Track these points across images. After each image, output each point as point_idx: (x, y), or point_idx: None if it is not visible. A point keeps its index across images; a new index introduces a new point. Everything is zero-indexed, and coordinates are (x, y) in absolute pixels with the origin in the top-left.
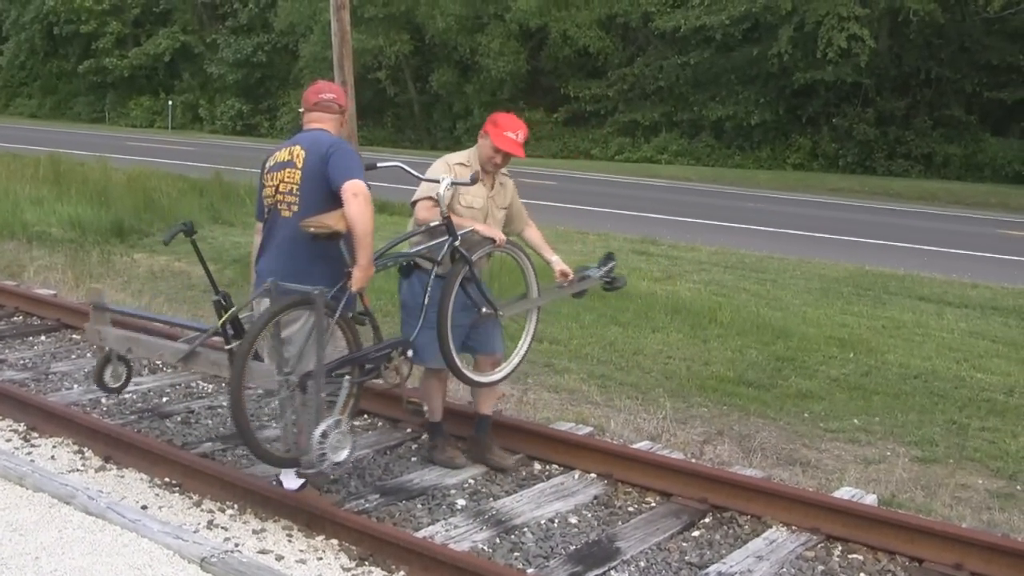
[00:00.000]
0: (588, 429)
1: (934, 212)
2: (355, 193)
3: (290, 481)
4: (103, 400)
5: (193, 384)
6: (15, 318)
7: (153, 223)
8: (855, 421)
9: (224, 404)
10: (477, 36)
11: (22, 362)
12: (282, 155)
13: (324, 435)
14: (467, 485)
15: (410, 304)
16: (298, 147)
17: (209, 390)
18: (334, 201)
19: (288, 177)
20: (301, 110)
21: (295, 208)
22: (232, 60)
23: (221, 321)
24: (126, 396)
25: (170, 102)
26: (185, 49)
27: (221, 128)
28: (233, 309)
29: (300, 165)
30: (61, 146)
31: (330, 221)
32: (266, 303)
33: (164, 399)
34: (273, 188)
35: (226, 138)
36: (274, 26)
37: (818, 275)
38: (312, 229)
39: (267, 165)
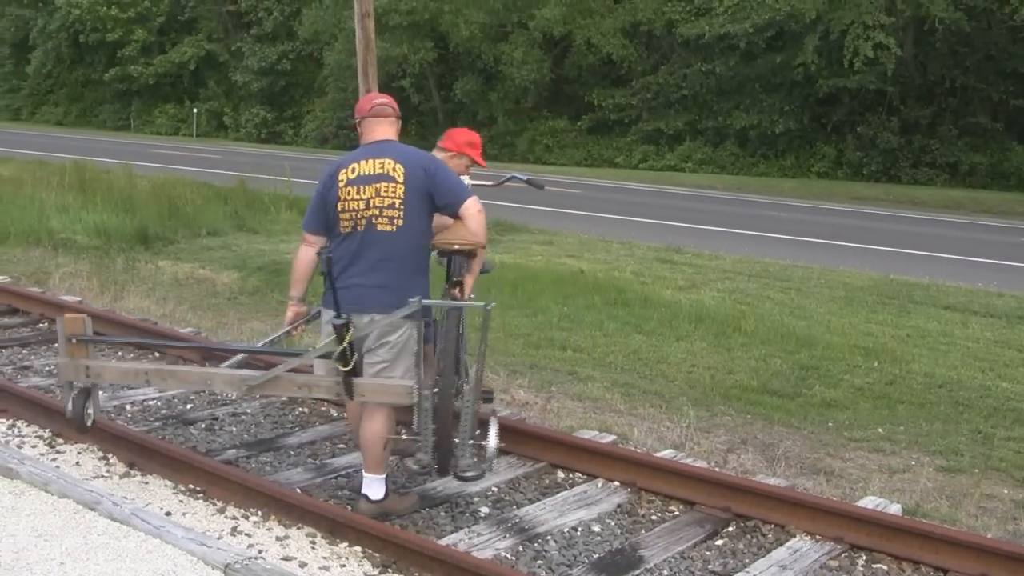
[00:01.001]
0: (611, 437)
1: (959, 221)
2: (479, 210)
3: (374, 492)
4: (127, 407)
5: (216, 391)
6: (40, 325)
7: (178, 230)
8: (879, 430)
9: (248, 411)
10: (501, 44)
11: (47, 368)
12: (366, 167)
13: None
14: (490, 493)
15: None
16: (389, 160)
17: (233, 397)
18: (430, 215)
19: (387, 191)
20: (356, 121)
21: (399, 222)
22: (257, 68)
23: (344, 343)
24: (150, 403)
25: (195, 110)
26: (210, 57)
27: (246, 136)
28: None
29: (401, 179)
30: (87, 154)
31: (471, 237)
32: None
33: (188, 406)
34: (362, 202)
35: (251, 146)
36: (298, 34)
37: (842, 284)
38: (456, 246)
39: (342, 178)
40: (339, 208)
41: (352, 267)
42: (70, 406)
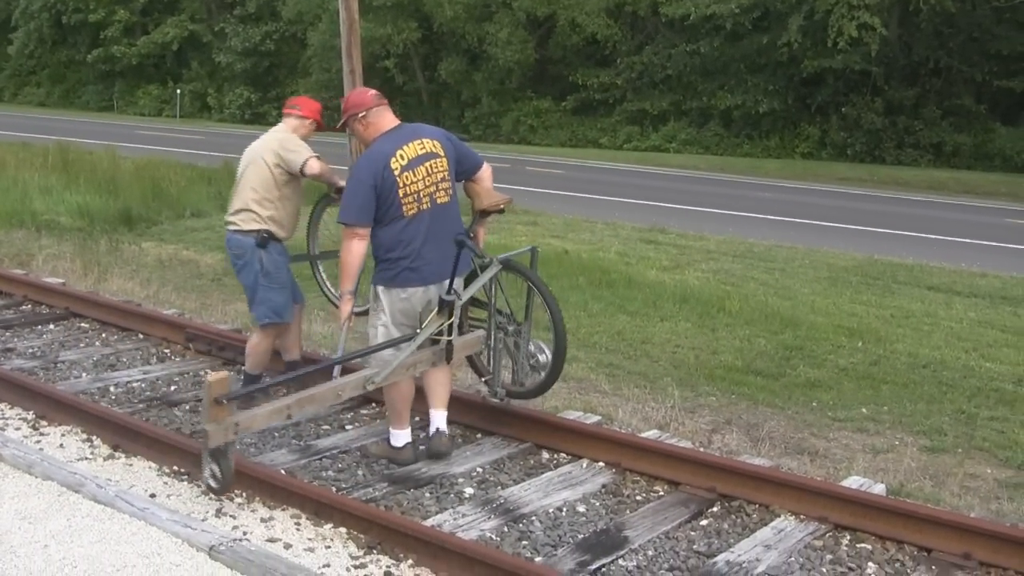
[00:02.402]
0: (596, 418)
1: (943, 201)
2: (490, 170)
3: (396, 440)
4: (111, 389)
5: (202, 372)
6: (24, 307)
7: (161, 211)
8: (863, 410)
9: None
10: (485, 25)
11: (30, 351)
12: (411, 151)
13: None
14: (475, 474)
15: (273, 272)
16: (427, 139)
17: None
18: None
19: (436, 167)
20: (358, 115)
21: (450, 192)
22: (240, 49)
23: (452, 317)
24: (134, 385)
25: (178, 91)
26: (193, 38)
27: (229, 117)
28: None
29: (443, 153)
30: (70, 135)
31: (502, 197)
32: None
33: (172, 387)
34: (421, 182)
35: (234, 127)
36: (282, 15)
37: (827, 264)
38: (503, 206)
39: (395, 166)
40: (400, 195)
41: (428, 243)
42: (217, 470)
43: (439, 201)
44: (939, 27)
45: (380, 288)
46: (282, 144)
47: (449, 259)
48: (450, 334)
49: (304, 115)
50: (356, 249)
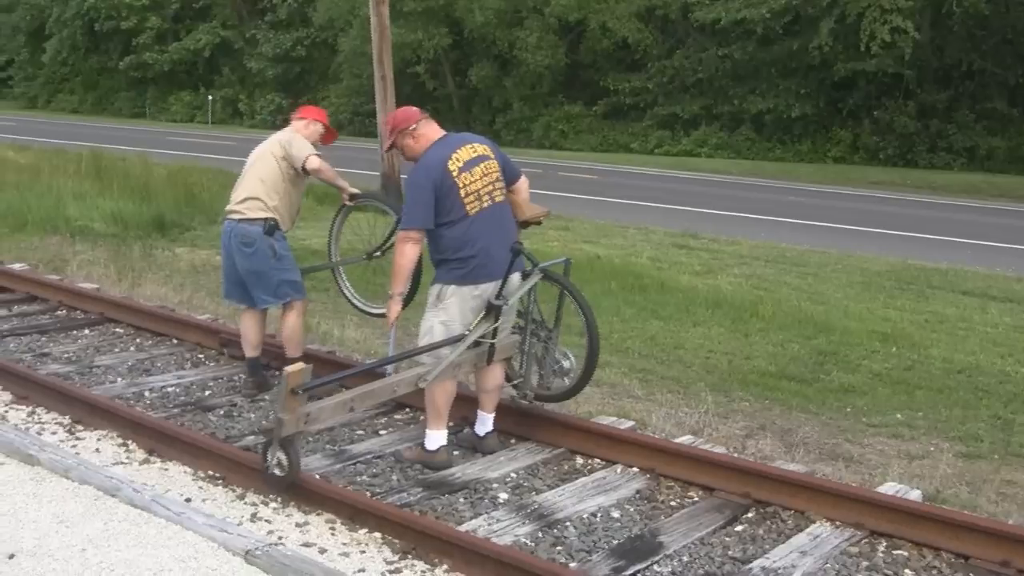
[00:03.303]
0: (630, 423)
1: (977, 205)
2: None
3: (431, 443)
4: (146, 393)
5: (235, 378)
6: (59, 312)
7: (194, 217)
8: (898, 416)
9: (266, 397)
10: (515, 30)
11: (66, 355)
12: (465, 154)
13: None
14: (509, 479)
15: (284, 254)
16: (477, 144)
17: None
18: None
19: (489, 168)
20: (408, 129)
21: (504, 193)
22: (271, 55)
23: (498, 319)
24: (169, 390)
25: (210, 97)
26: (225, 44)
27: (261, 123)
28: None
29: (493, 156)
30: (103, 141)
31: (540, 209)
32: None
33: (207, 392)
34: (479, 181)
35: (266, 132)
36: (313, 21)
37: (860, 269)
38: (542, 219)
39: (452, 168)
40: (461, 194)
41: (494, 239)
42: (284, 459)
43: (497, 200)
44: (972, 29)
45: (452, 287)
46: (288, 140)
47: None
48: (494, 337)
49: (304, 116)
50: (411, 253)
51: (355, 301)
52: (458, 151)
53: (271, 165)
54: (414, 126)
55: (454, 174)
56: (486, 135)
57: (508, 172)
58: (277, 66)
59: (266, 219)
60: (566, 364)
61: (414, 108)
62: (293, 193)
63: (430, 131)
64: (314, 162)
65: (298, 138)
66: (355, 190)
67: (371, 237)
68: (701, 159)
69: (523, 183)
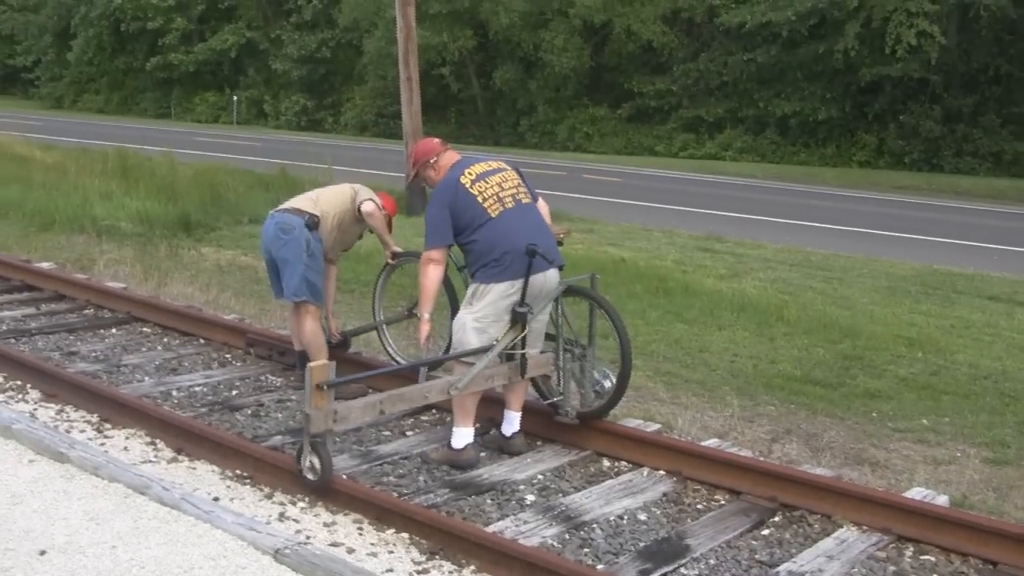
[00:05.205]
0: (656, 426)
1: (1003, 211)
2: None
3: (458, 440)
4: (174, 392)
5: (263, 377)
6: (86, 311)
7: (219, 217)
8: (924, 421)
9: (293, 397)
10: (540, 32)
11: (94, 354)
12: (479, 168)
13: None
14: (536, 481)
15: (316, 255)
16: (492, 161)
17: (278, 383)
18: None
19: (508, 177)
20: (431, 160)
21: (530, 197)
22: (296, 56)
23: (524, 329)
24: (196, 389)
25: (235, 98)
26: (250, 45)
27: (285, 124)
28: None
29: (510, 168)
30: (128, 141)
31: (561, 228)
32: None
33: (234, 392)
34: (497, 186)
35: (290, 133)
36: (338, 22)
37: (885, 273)
38: (563, 237)
39: (465, 182)
40: (479, 200)
41: (524, 233)
42: (317, 462)
43: (523, 201)
44: (999, 33)
45: (490, 285)
46: (362, 187)
47: (554, 248)
48: (523, 348)
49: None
50: (433, 274)
51: (398, 358)
52: (471, 167)
53: (344, 193)
54: (435, 158)
55: (467, 186)
56: (509, 137)
57: (530, 191)
58: (302, 67)
59: (311, 214)
60: (607, 384)
61: (435, 140)
62: (348, 231)
63: (448, 161)
64: (369, 206)
65: (370, 191)
66: (398, 248)
67: (413, 292)
68: (726, 162)
69: (543, 205)
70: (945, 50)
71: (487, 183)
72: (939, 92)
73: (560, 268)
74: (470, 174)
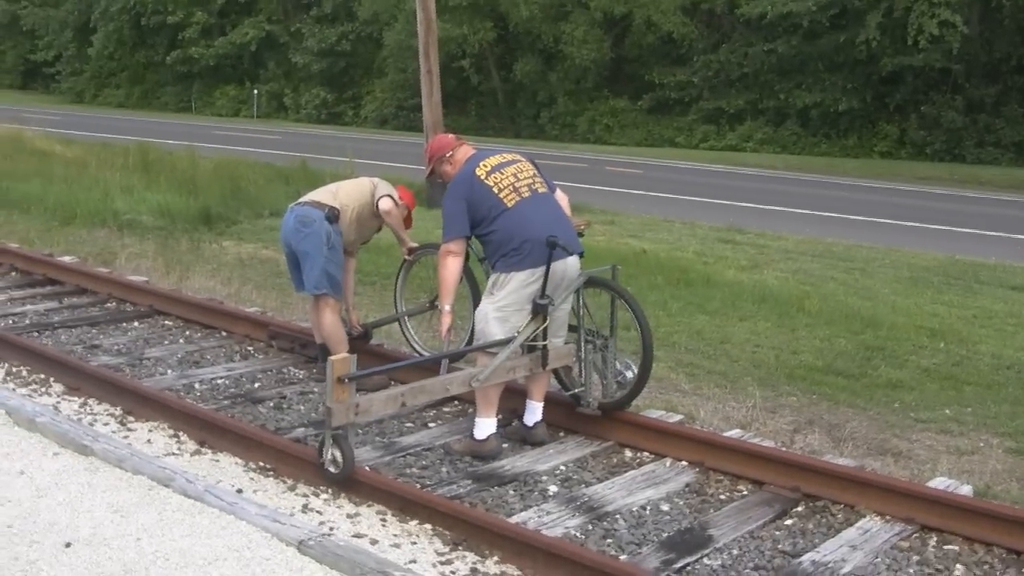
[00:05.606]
0: (678, 417)
1: None
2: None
3: (480, 431)
4: (196, 385)
5: (285, 370)
6: (108, 304)
7: (240, 211)
8: (947, 411)
9: (315, 389)
10: (560, 24)
11: (116, 347)
12: (493, 161)
13: None
14: (559, 472)
15: (336, 248)
16: (507, 153)
17: (300, 376)
18: None
19: (523, 167)
20: (446, 155)
21: (546, 187)
22: (316, 49)
23: (546, 320)
24: (219, 381)
25: (255, 91)
26: (270, 38)
27: (306, 117)
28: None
29: (525, 159)
30: (149, 135)
31: (581, 220)
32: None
33: (256, 384)
34: (512, 176)
35: (311, 127)
36: (358, 15)
37: (907, 264)
38: (584, 229)
39: (480, 174)
40: (495, 191)
41: (542, 222)
42: (339, 455)
43: (539, 190)
44: (1022, 23)
45: (511, 274)
46: (381, 182)
47: (573, 237)
48: (544, 339)
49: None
50: (452, 266)
51: (422, 351)
52: (486, 160)
53: (364, 187)
54: (450, 153)
55: (482, 178)
56: (530, 129)
57: (548, 183)
58: (322, 60)
59: (331, 207)
60: (629, 375)
61: (449, 136)
62: (367, 225)
63: (463, 156)
64: (387, 203)
65: (389, 185)
66: (414, 244)
67: (433, 284)
68: (747, 154)
69: (562, 196)
70: (967, 40)
71: (502, 174)
72: (961, 82)
73: (580, 255)
74: (485, 166)
